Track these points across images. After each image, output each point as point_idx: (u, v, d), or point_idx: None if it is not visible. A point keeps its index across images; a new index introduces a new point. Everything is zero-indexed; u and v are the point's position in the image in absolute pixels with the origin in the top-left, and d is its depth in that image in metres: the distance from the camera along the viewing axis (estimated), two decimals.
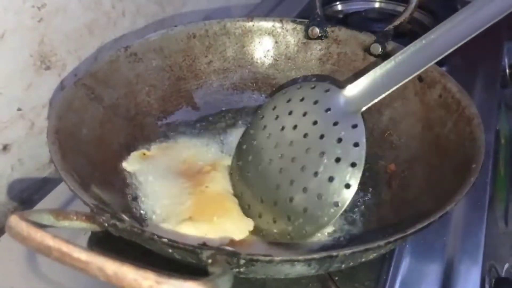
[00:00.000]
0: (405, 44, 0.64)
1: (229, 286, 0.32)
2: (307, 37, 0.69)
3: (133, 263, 0.29)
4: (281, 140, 0.55)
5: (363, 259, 0.41)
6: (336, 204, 0.49)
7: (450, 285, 0.52)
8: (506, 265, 0.63)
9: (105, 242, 0.50)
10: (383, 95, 0.53)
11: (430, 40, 0.53)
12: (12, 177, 0.65)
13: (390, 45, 0.64)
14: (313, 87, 0.57)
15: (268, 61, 0.71)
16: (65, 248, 0.29)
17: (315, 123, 0.54)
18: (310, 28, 0.68)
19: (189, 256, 0.38)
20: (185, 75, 0.68)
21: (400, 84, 0.53)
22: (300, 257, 0.37)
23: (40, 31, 0.64)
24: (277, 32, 0.70)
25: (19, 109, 0.64)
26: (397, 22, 0.63)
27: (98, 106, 0.57)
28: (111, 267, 0.29)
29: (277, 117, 0.57)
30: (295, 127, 0.55)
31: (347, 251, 0.38)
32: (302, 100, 0.56)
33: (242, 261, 0.36)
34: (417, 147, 0.57)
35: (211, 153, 0.62)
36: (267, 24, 0.70)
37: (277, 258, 0.37)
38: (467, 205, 0.60)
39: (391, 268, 0.52)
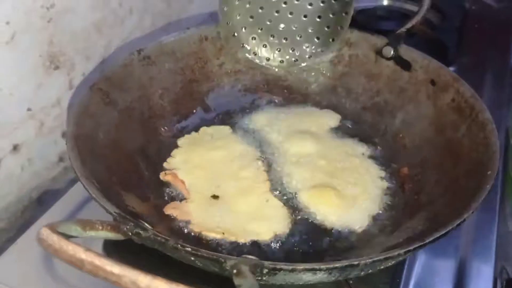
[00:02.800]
0: (415, 45, 0.65)
1: None
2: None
3: (164, 277, 0.30)
4: None
5: (382, 267, 0.42)
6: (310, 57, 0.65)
7: (463, 286, 0.52)
8: None
9: (121, 247, 0.51)
10: None
11: None
12: (22, 177, 0.65)
13: (402, 48, 0.64)
14: None
15: None
16: (98, 261, 0.29)
17: None
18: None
19: (212, 265, 0.39)
20: (197, 77, 0.68)
21: None
22: (323, 266, 0.38)
23: (49, 31, 0.64)
24: None
25: (29, 109, 0.64)
26: (409, 25, 0.63)
27: (113, 110, 0.57)
28: (143, 280, 0.29)
29: None
30: None
31: (368, 260, 0.38)
32: None
33: (265, 270, 0.37)
34: (430, 150, 0.58)
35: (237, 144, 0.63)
36: None
37: (300, 267, 0.37)
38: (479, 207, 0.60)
39: (405, 271, 0.53)
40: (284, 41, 0.67)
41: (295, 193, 0.57)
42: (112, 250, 0.53)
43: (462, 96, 0.57)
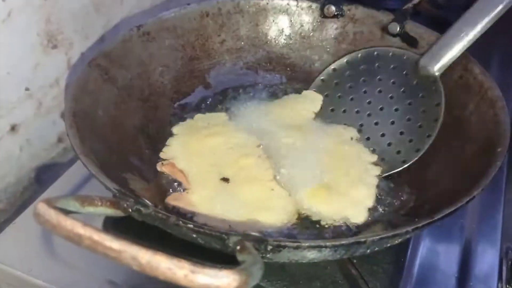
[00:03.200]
0: (422, 23, 0.64)
1: (261, 274, 0.31)
2: (323, 15, 0.67)
3: (166, 252, 0.29)
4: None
5: (389, 244, 0.41)
6: (404, 161, 0.57)
7: (468, 267, 0.52)
8: None
9: (120, 224, 0.50)
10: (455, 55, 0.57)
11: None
12: (20, 157, 0.65)
13: (409, 25, 0.62)
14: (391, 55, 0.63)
15: (282, 40, 0.69)
16: (97, 236, 0.28)
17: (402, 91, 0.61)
18: (326, 7, 0.67)
19: (214, 242, 0.38)
20: (198, 54, 0.66)
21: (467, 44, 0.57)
22: (328, 243, 0.37)
23: (46, 9, 0.63)
24: (292, 10, 0.68)
25: (27, 89, 0.63)
26: (416, 1, 0.62)
27: (112, 87, 0.56)
28: (144, 256, 0.28)
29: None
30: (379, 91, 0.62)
31: (375, 237, 0.37)
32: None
33: (269, 247, 0.36)
34: None
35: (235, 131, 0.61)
36: (281, 2, 0.68)
37: (305, 244, 0.37)
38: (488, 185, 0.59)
39: (409, 250, 0.52)
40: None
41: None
42: (112, 228, 0.53)
43: (470, 73, 0.56)
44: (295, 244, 0.36)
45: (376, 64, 0.63)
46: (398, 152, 0.57)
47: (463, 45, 0.57)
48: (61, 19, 0.65)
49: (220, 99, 0.66)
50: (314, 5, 0.67)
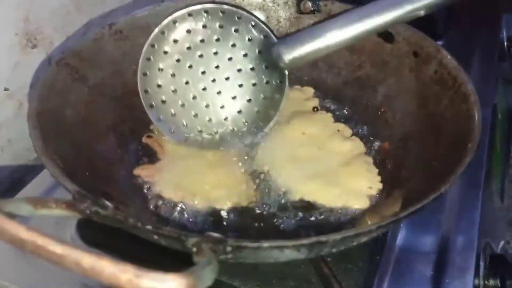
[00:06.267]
0: None
1: (213, 277, 0.30)
2: (299, 11, 0.66)
3: (111, 257, 0.28)
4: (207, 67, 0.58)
5: (354, 243, 0.40)
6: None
7: (445, 264, 0.51)
8: (502, 242, 0.62)
9: (95, 225, 0.49)
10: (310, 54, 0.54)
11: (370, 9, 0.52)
12: (1, 158, 0.64)
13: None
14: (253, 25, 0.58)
15: None
16: (40, 241, 0.28)
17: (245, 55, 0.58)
18: (302, 2, 0.66)
19: (174, 243, 0.37)
20: None
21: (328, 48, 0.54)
22: (289, 243, 0.36)
23: (25, 7, 0.62)
24: (268, 6, 0.67)
25: (6, 89, 0.63)
26: None
27: (82, 86, 0.55)
28: (87, 260, 0.27)
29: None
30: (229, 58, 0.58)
31: (337, 236, 0.37)
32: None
33: (228, 248, 0.36)
34: (412, 125, 0.56)
35: None
36: None
37: (265, 245, 0.36)
38: (463, 183, 0.59)
39: (385, 248, 0.52)
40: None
41: (284, 192, 0.54)
42: (86, 229, 0.52)
43: (445, 68, 0.55)
44: (256, 245, 0.36)
45: (233, 28, 0.57)
46: (232, 130, 0.58)
47: (323, 45, 0.53)
48: (40, 18, 0.65)
49: None
50: (290, 1, 0.66)
